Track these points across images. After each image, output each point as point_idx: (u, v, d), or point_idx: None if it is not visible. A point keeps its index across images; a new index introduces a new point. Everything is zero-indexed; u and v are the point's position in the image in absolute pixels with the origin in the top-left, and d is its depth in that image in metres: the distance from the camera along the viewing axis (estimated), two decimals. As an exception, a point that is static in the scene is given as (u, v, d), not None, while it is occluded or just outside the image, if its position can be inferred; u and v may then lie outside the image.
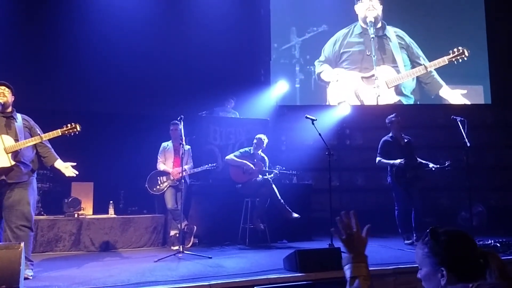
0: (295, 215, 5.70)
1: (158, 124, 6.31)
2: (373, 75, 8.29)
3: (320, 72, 8.36)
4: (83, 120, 4.07)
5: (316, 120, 5.44)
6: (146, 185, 5.84)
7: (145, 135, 6.43)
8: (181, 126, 5.25)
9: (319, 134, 5.37)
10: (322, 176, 6.44)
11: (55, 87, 6.72)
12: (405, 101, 8.35)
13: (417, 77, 8.33)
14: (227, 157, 6.16)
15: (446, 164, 5.67)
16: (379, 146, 5.95)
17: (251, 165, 5.98)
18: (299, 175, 6.55)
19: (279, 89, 8.09)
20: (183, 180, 5.27)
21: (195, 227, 5.77)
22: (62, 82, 6.75)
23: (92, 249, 5.51)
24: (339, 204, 7.21)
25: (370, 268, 1.59)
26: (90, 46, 6.78)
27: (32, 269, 3.86)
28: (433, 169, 5.76)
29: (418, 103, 8.37)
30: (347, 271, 1.57)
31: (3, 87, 3.92)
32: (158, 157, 5.98)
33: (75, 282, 3.60)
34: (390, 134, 5.98)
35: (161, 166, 5.90)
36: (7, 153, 3.73)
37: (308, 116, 5.44)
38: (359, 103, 8.23)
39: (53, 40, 6.84)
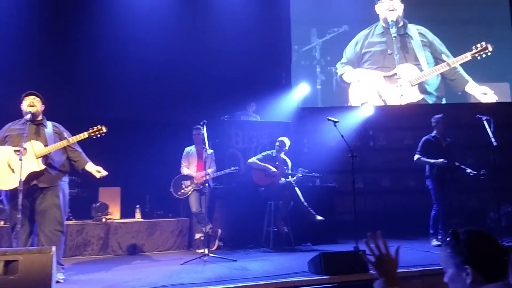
0: (319, 217, 5.69)
1: (181, 129, 6.40)
2: (395, 74, 8.20)
3: (342, 74, 8.32)
4: (110, 127, 4.15)
5: (338, 122, 5.42)
6: (171, 189, 5.93)
7: (169, 140, 6.54)
8: (204, 131, 5.31)
9: (342, 136, 5.35)
10: (345, 178, 6.40)
11: (83, 95, 6.91)
12: (429, 99, 8.22)
13: (442, 74, 8.20)
14: (249, 160, 6.20)
15: (481, 173, 5.62)
16: (420, 144, 5.91)
17: (274, 168, 6.00)
18: (322, 178, 6.53)
19: (300, 92, 8.09)
20: (206, 184, 5.33)
21: (219, 230, 5.83)
22: (90, 90, 6.94)
23: (119, 253, 5.63)
24: (364, 206, 7.15)
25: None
26: (115, 56, 6.92)
27: (63, 272, 3.97)
28: (471, 174, 5.70)
29: (444, 100, 8.23)
30: None
31: (33, 97, 4.04)
32: (182, 161, 6.07)
33: (104, 286, 3.69)
34: (433, 134, 5.94)
35: (184, 171, 5.99)
36: (37, 158, 3.84)
37: (330, 118, 5.43)
38: (382, 103, 8.14)
39: (80, 48, 7.03)
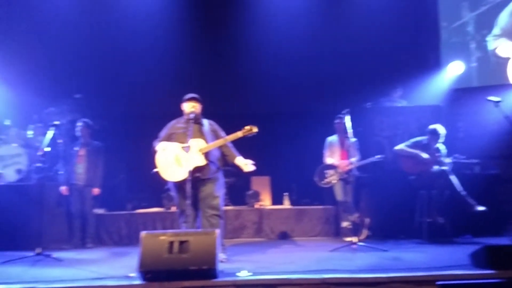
0: (480, 207, 5.17)
1: (324, 119, 6.44)
2: None
3: (496, 48, 7.32)
4: (258, 121, 4.43)
5: (500, 101, 4.83)
6: (315, 178, 6.06)
7: (314, 130, 6.65)
8: (347, 119, 5.26)
9: (505, 117, 4.74)
10: (511, 164, 5.69)
11: (233, 92, 7.46)
12: None
13: None
14: (396, 147, 5.94)
15: None
16: None
17: (425, 155, 5.64)
18: (482, 164, 5.90)
19: (452, 71, 7.38)
20: (351, 173, 5.28)
21: (367, 219, 5.74)
22: (239, 87, 7.44)
23: (272, 237, 6.01)
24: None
25: None
26: (259, 52, 7.31)
27: (225, 252, 4.40)
28: None
29: None
30: None
31: (195, 102, 4.53)
32: (324, 151, 6.13)
33: (260, 266, 3.96)
34: None
35: (328, 160, 6.04)
36: (200, 154, 4.33)
37: (490, 98, 4.87)
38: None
39: (227, 48, 7.58)
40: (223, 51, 7.58)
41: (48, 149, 4.96)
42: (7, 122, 6.47)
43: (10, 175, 6.02)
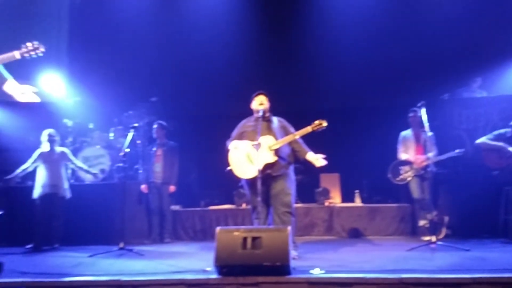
0: None
1: (396, 113, 6.21)
2: None
3: None
4: (327, 116, 4.36)
5: None
6: (389, 175, 5.85)
7: (385, 125, 6.44)
8: (422, 112, 5.02)
9: None
10: None
11: (302, 89, 7.42)
12: None
13: None
14: (478, 141, 5.55)
15: None
16: None
17: (511, 148, 5.23)
18: None
19: (540, 57, 6.77)
20: (428, 169, 5.03)
21: (446, 217, 5.45)
22: (308, 83, 7.39)
23: (343, 235, 5.91)
24: None
25: None
26: (328, 46, 7.21)
27: (296, 250, 4.40)
28: None
29: None
30: None
31: (262, 96, 4.60)
32: (398, 146, 5.90)
33: (334, 265, 3.90)
34: None
35: (402, 156, 5.81)
36: (270, 151, 4.37)
37: None
38: None
39: (297, 44, 7.55)
40: (291, 48, 7.57)
41: (128, 150, 5.28)
42: (91, 126, 6.99)
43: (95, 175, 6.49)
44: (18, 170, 5.75)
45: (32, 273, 3.84)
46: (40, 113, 7.35)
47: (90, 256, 4.76)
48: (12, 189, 6.07)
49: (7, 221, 6.13)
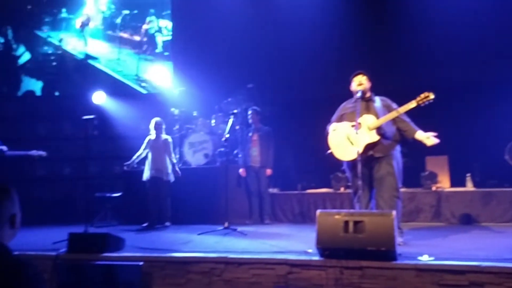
0: None
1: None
2: None
3: None
4: (436, 93, 4.02)
5: None
6: (506, 157, 5.31)
7: (501, 102, 5.82)
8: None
9: None
10: None
11: (405, 66, 6.88)
12: None
13: None
14: None
15: None
16: None
17: None
18: None
19: None
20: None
21: None
22: (411, 60, 6.82)
23: (453, 222, 5.52)
24: None
25: None
26: (429, 20, 6.65)
27: (402, 236, 4.19)
28: None
29: None
30: None
31: (361, 76, 4.41)
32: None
33: (443, 252, 3.65)
34: None
35: (522, 135, 5.22)
36: (370, 131, 4.18)
37: None
38: None
39: (394, 22, 7.06)
40: (388, 25, 7.13)
41: (228, 135, 5.50)
42: (195, 113, 7.40)
43: (199, 159, 6.88)
44: (134, 157, 6.35)
45: (150, 249, 4.22)
46: (150, 103, 8.03)
47: (199, 234, 5.09)
48: (128, 173, 6.73)
49: (125, 202, 6.87)
